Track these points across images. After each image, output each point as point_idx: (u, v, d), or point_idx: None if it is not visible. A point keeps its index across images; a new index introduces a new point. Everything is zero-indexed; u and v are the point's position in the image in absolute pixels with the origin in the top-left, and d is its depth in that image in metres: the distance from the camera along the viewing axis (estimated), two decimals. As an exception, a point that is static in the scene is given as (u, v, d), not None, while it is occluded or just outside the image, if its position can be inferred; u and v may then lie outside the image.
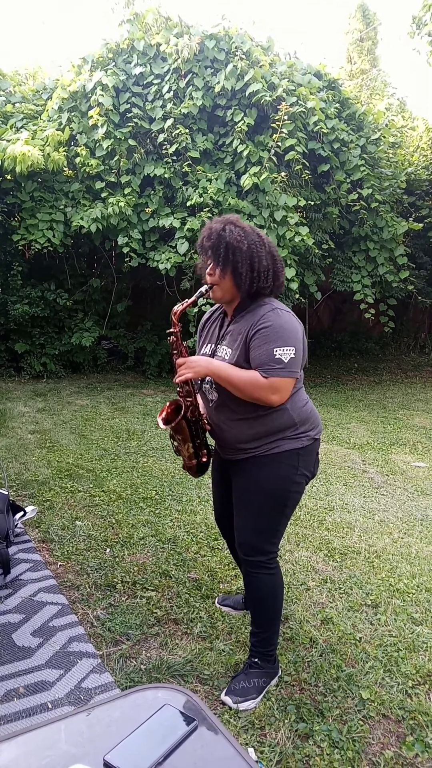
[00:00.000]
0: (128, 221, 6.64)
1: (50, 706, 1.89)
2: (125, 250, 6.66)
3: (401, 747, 1.78)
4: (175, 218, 6.58)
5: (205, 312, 6.21)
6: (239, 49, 6.41)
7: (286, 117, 6.30)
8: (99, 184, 6.66)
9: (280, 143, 6.36)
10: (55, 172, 6.66)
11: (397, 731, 1.85)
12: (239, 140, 6.45)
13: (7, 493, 3.07)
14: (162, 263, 6.57)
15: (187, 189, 6.61)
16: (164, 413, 1.99)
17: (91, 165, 6.52)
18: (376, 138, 7.50)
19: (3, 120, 6.83)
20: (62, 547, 2.96)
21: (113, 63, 6.68)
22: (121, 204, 6.42)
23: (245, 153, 6.41)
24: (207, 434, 2.07)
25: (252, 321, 1.82)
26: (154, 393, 7.04)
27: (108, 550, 2.96)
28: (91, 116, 6.47)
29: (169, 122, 6.44)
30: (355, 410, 6.68)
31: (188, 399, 1.97)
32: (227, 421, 1.93)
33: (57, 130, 6.60)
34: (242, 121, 6.39)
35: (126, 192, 6.59)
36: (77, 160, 6.64)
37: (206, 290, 1.90)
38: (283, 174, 6.43)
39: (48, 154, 6.33)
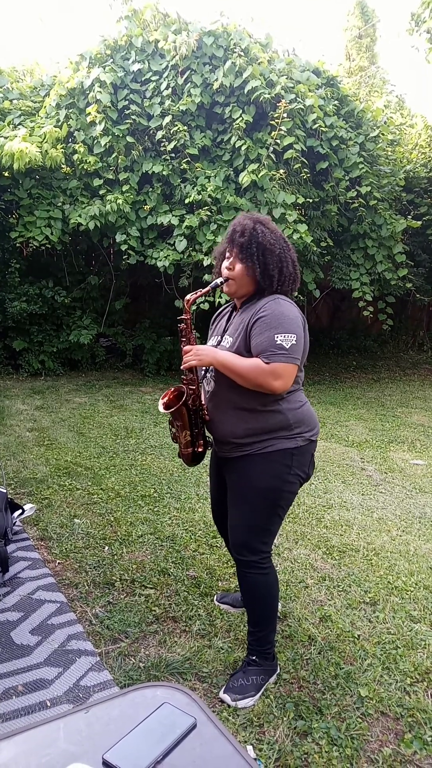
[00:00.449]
0: (126, 218, 6.62)
1: (49, 704, 1.89)
2: (123, 247, 6.64)
3: (400, 744, 1.79)
4: (173, 216, 6.56)
5: (204, 310, 6.20)
6: (237, 46, 6.39)
7: (284, 114, 6.29)
8: (97, 182, 6.64)
9: (278, 141, 6.35)
10: (53, 169, 6.64)
11: (395, 728, 1.86)
12: (238, 137, 6.44)
13: (5, 491, 3.06)
14: (160, 261, 6.56)
15: (185, 186, 6.60)
16: (166, 398, 2.01)
17: (89, 162, 6.50)
18: (375, 135, 7.49)
19: (1, 117, 6.80)
20: (61, 545, 2.96)
21: (111, 60, 6.66)
22: (120, 201, 6.41)
23: (244, 150, 6.40)
24: (206, 427, 2.07)
25: (253, 310, 1.84)
26: (153, 391, 7.04)
27: (106, 547, 2.96)
28: (89, 113, 6.45)
29: (168, 119, 6.43)
30: (354, 408, 6.69)
31: (191, 387, 1.98)
32: (223, 412, 1.94)
33: (55, 126, 6.57)
34: (241, 118, 6.38)
35: (124, 189, 6.57)
36: (75, 157, 6.62)
37: (221, 283, 1.93)
38: (281, 171, 6.42)
39: (46, 151, 6.30)
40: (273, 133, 6.38)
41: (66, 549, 2.92)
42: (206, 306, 6.22)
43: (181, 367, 1.94)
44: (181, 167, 6.56)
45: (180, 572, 2.74)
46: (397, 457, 4.88)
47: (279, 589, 2.11)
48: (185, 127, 6.47)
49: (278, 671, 2.06)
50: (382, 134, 7.84)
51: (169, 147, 6.47)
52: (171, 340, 8.15)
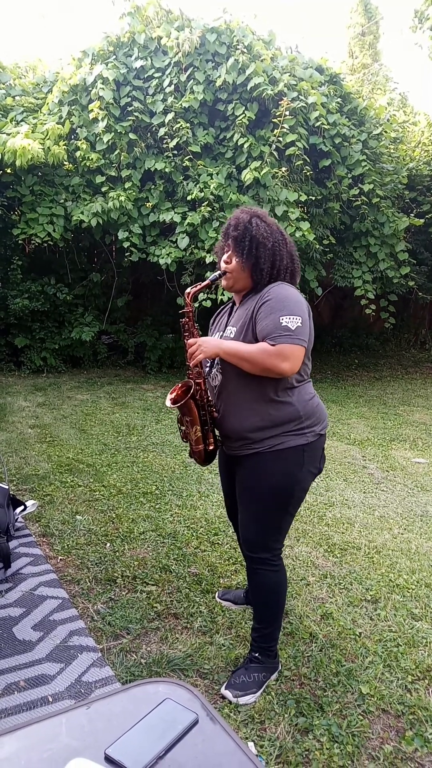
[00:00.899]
0: (129, 216, 6.62)
1: (51, 699, 1.89)
2: (125, 244, 6.64)
3: (401, 742, 1.79)
4: (175, 213, 6.56)
5: (206, 307, 6.20)
6: (240, 43, 6.37)
7: (287, 112, 6.27)
8: (99, 179, 6.64)
9: (281, 138, 6.33)
10: (56, 165, 6.64)
11: (396, 726, 1.86)
12: (240, 134, 6.42)
13: (7, 487, 3.07)
14: (162, 258, 6.56)
15: (187, 183, 6.59)
16: (174, 393, 1.99)
17: (92, 159, 6.49)
18: (378, 133, 7.48)
19: (3, 113, 6.79)
20: (62, 541, 2.96)
21: (114, 56, 6.65)
22: (122, 198, 6.40)
23: (246, 147, 6.39)
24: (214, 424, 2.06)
25: (256, 298, 1.84)
26: (155, 388, 7.04)
27: (108, 544, 2.96)
28: (92, 110, 6.44)
29: (170, 116, 6.41)
30: (356, 406, 6.68)
31: (198, 381, 1.96)
32: (232, 405, 1.91)
33: (57, 123, 6.57)
34: (243, 116, 6.37)
35: (126, 186, 6.57)
36: (77, 153, 6.61)
37: (220, 275, 1.94)
38: (284, 169, 6.41)
39: (48, 147, 6.30)
40: (276, 130, 6.36)
41: (68, 545, 2.92)
42: (208, 303, 6.22)
43: (189, 363, 1.92)
44: (184, 164, 6.55)
45: (181, 569, 2.74)
46: (399, 455, 4.88)
47: (288, 586, 2.10)
48: (188, 124, 6.45)
49: (280, 668, 2.06)
50: (385, 132, 7.82)
51: (172, 144, 6.46)
52: (173, 338, 8.15)
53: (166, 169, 6.51)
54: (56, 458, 4.23)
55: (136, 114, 6.50)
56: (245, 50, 6.34)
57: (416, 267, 8.59)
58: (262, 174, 6.23)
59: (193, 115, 6.58)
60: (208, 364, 2.01)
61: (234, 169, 6.64)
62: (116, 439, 4.82)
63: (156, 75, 6.62)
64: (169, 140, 6.51)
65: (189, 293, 1.98)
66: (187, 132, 6.43)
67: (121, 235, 6.62)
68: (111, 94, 6.41)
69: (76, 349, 7.77)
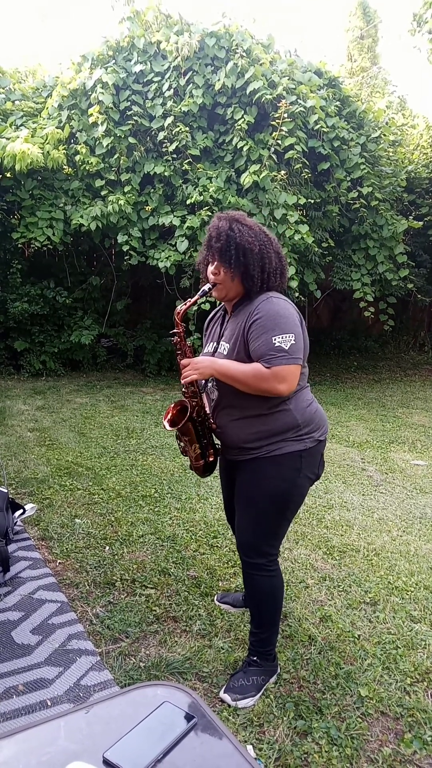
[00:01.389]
0: (128, 219, 6.63)
1: (49, 703, 1.89)
2: (125, 248, 6.65)
3: (399, 744, 1.79)
4: (174, 216, 6.57)
5: (204, 310, 6.20)
6: (239, 47, 6.39)
7: (286, 115, 6.29)
8: (99, 182, 6.65)
9: (280, 141, 6.35)
10: (55, 170, 6.65)
11: (395, 728, 1.86)
12: (239, 138, 6.44)
13: (6, 491, 3.07)
14: (162, 261, 6.57)
15: (187, 187, 6.60)
16: (169, 415, 1.98)
17: (91, 163, 6.51)
18: (377, 136, 7.50)
19: (3, 117, 6.81)
20: (61, 545, 2.96)
21: (113, 61, 6.67)
22: (121, 202, 6.41)
23: (245, 151, 6.40)
24: (213, 435, 2.07)
25: (247, 312, 1.81)
26: (154, 391, 7.04)
27: (107, 547, 2.96)
28: (91, 114, 6.46)
29: (169, 120, 6.43)
30: (355, 408, 6.69)
31: (194, 400, 1.96)
32: (229, 420, 1.92)
33: (57, 127, 6.59)
34: (242, 119, 6.39)
35: (126, 190, 6.58)
36: (77, 158, 6.63)
37: (209, 289, 1.89)
38: (283, 172, 6.43)
39: (48, 152, 6.31)
40: (274, 134, 6.38)
41: (67, 549, 2.92)
42: (207, 306, 6.23)
43: (182, 382, 1.90)
44: (183, 168, 6.57)
45: (180, 572, 2.74)
46: (398, 457, 4.88)
47: (284, 591, 2.10)
48: (187, 128, 6.47)
49: (278, 671, 2.06)
50: (384, 135, 7.84)
51: (171, 148, 6.48)
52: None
53: (166, 173, 6.53)
54: (55, 462, 4.24)
55: (135, 118, 6.52)
56: (244, 54, 6.37)
57: (415, 269, 8.60)
58: (261, 177, 6.25)
59: (192, 119, 6.60)
60: (205, 380, 1.99)
61: (233, 173, 6.66)
62: (115, 443, 4.83)
63: (155, 79, 6.65)
64: (168, 144, 6.53)
65: (179, 312, 1.94)
66: (187, 136, 6.45)
67: (121, 238, 6.63)
68: (110, 99, 6.43)
69: (76, 353, 7.78)
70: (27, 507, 3.25)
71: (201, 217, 6.32)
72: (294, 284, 6.37)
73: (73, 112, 6.71)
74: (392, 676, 2.09)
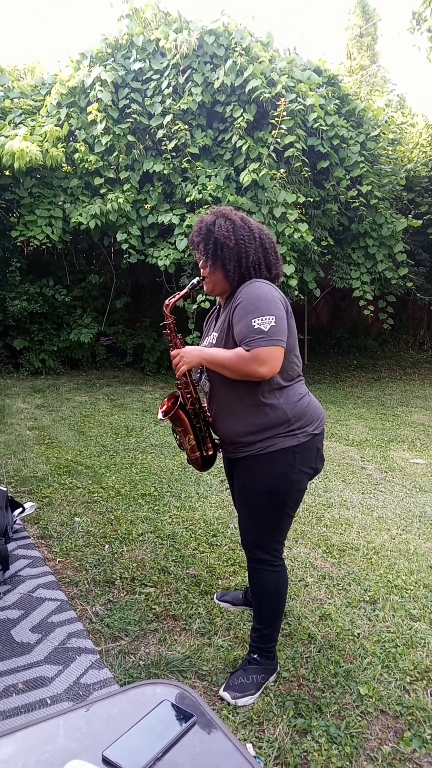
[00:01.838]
0: (127, 217, 6.62)
1: (49, 701, 1.89)
2: (124, 246, 6.65)
3: (399, 742, 1.79)
4: (174, 214, 6.56)
5: (204, 308, 6.20)
6: (239, 45, 6.38)
7: (285, 113, 6.28)
8: (98, 180, 6.64)
9: (279, 140, 6.34)
10: (54, 168, 6.64)
11: (395, 727, 1.86)
12: (238, 136, 6.43)
13: (5, 489, 3.07)
14: (161, 260, 6.57)
15: (186, 185, 6.60)
16: (165, 406, 2.00)
17: (90, 161, 6.50)
18: (376, 134, 7.49)
19: (1, 115, 6.80)
20: (61, 543, 2.96)
21: (112, 58, 6.66)
22: (120, 200, 6.41)
23: (244, 149, 6.40)
24: (210, 428, 2.07)
25: (232, 301, 1.83)
26: (153, 389, 7.04)
27: (107, 546, 2.96)
28: (90, 112, 6.45)
29: (168, 118, 6.42)
30: (354, 407, 6.69)
31: (186, 390, 1.97)
32: (222, 410, 1.93)
33: (55, 125, 6.58)
34: (241, 117, 6.38)
35: (125, 188, 6.57)
36: (76, 156, 6.62)
37: (198, 281, 1.92)
38: (282, 171, 6.42)
39: (46, 150, 6.30)
40: (274, 132, 6.38)
41: (66, 547, 2.92)
42: (206, 305, 6.23)
43: (176, 375, 1.93)
44: (182, 166, 6.56)
45: (180, 571, 2.74)
46: (397, 456, 4.88)
47: (288, 587, 2.10)
48: (186, 126, 6.47)
49: (278, 670, 2.06)
50: (383, 133, 7.84)
51: (170, 146, 6.47)
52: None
53: (165, 171, 6.52)
54: (55, 460, 4.23)
55: (134, 116, 6.51)
56: (243, 52, 6.36)
57: (414, 268, 8.61)
58: (260, 176, 6.24)
59: (191, 117, 6.59)
60: (198, 372, 2.01)
61: (232, 171, 6.65)
62: (115, 441, 4.82)
63: (154, 77, 6.64)
64: (167, 142, 6.52)
65: (168, 305, 1.97)
66: (186, 134, 6.44)
67: (120, 236, 6.62)
68: (109, 96, 6.42)
69: (75, 351, 7.78)
70: (26, 505, 3.25)
71: (200, 215, 6.30)
72: (293, 283, 6.36)
73: (71, 109, 6.70)
74: (392, 674, 2.09)
